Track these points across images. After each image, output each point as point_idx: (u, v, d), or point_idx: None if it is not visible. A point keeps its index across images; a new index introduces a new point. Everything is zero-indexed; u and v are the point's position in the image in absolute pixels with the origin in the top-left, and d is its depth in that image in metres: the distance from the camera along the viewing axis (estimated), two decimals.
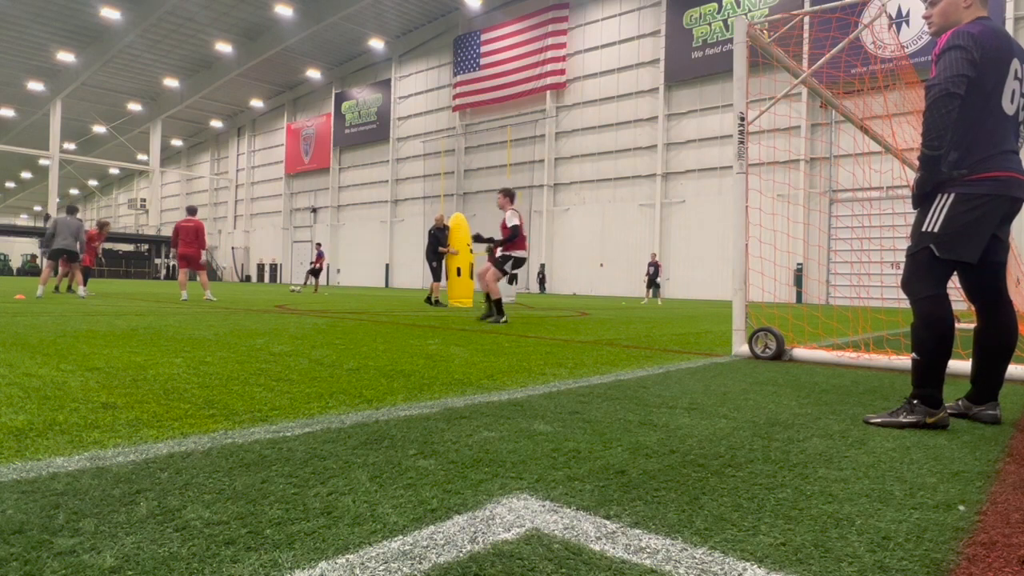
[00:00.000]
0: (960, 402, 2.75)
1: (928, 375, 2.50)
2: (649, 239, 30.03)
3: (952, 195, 2.48)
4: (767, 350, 4.76)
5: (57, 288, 14.58)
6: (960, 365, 4.16)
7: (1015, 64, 2.51)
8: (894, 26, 22.62)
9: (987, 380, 2.68)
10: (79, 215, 12.76)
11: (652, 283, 20.47)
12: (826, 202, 24.88)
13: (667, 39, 29.69)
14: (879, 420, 2.51)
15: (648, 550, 1.27)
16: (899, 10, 23.03)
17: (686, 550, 1.27)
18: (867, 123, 6.58)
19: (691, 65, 28.81)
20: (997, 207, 2.48)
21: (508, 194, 8.53)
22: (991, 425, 2.61)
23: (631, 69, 31.34)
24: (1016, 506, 1.59)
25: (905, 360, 4.40)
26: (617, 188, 31.60)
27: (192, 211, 12.83)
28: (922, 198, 2.58)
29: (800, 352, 4.74)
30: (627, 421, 2.46)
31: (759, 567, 1.21)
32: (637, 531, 1.37)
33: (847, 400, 3.09)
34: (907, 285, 2.61)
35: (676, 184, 29.60)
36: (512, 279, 15.96)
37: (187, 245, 12.34)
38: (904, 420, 2.47)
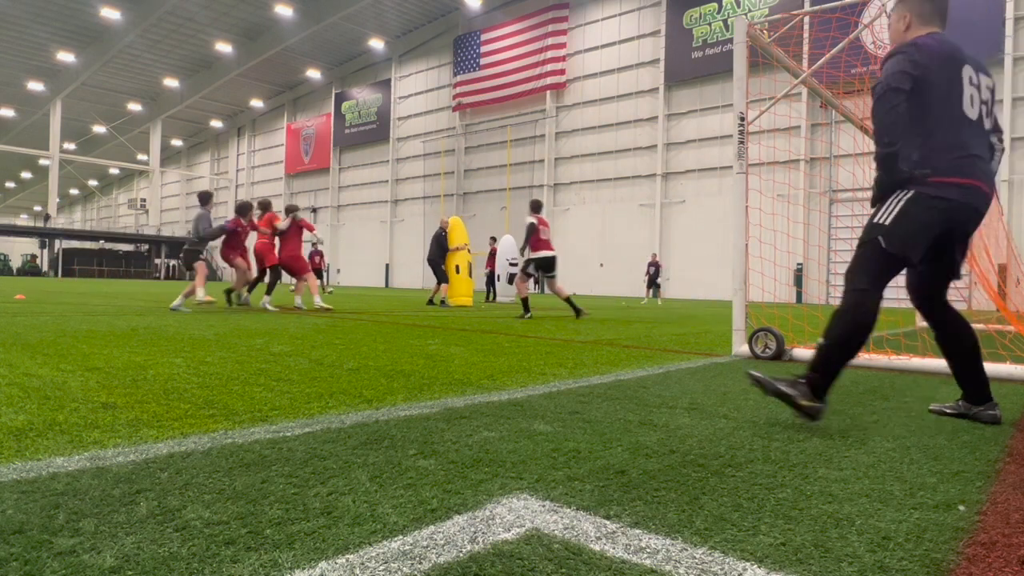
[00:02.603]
0: (960, 403, 2.73)
1: (827, 365, 2.45)
2: (649, 239, 30.02)
3: (911, 192, 2.44)
4: (767, 350, 4.75)
5: (230, 299, 10.29)
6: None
7: (968, 71, 2.51)
8: None
9: (973, 381, 2.66)
10: (211, 203, 9.77)
11: (652, 283, 20.47)
12: (826, 202, 24.88)
13: (667, 39, 29.68)
14: (758, 374, 2.55)
15: (648, 550, 1.27)
16: None
17: (686, 550, 1.27)
18: (867, 123, 6.58)
19: (691, 65, 28.80)
20: (956, 216, 2.44)
21: (531, 206, 9.67)
22: (991, 425, 2.58)
23: (631, 69, 31.33)
24: (1016, 506, 1.59)
25: (905, 360, 4.40)
26: (617, 188, 31.59)
27: (265, 206, 10.47)
28: (881, 198, 2.54)
29: (800, 352, 4.74)
30: (627, 421, 2.46)
31: (759, 567, 1.21)
32: (637, 531, 1.37)
33: (847, 400, 3.09)
34: (848, 273, 2.57)
35: (676, 184, 29.59)
36: (512, 279, 15.95)
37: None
38: (782, 388, 2.45)
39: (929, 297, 2.70)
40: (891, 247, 2.43)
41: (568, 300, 9.31)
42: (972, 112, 2.51)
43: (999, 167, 2.81)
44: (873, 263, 2.49)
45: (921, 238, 2.43)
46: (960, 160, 2.45)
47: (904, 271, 2.60)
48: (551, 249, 9.72)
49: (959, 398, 2.76)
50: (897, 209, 2.44)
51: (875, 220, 2.49)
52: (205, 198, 9.70)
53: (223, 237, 9.98)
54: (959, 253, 2.60)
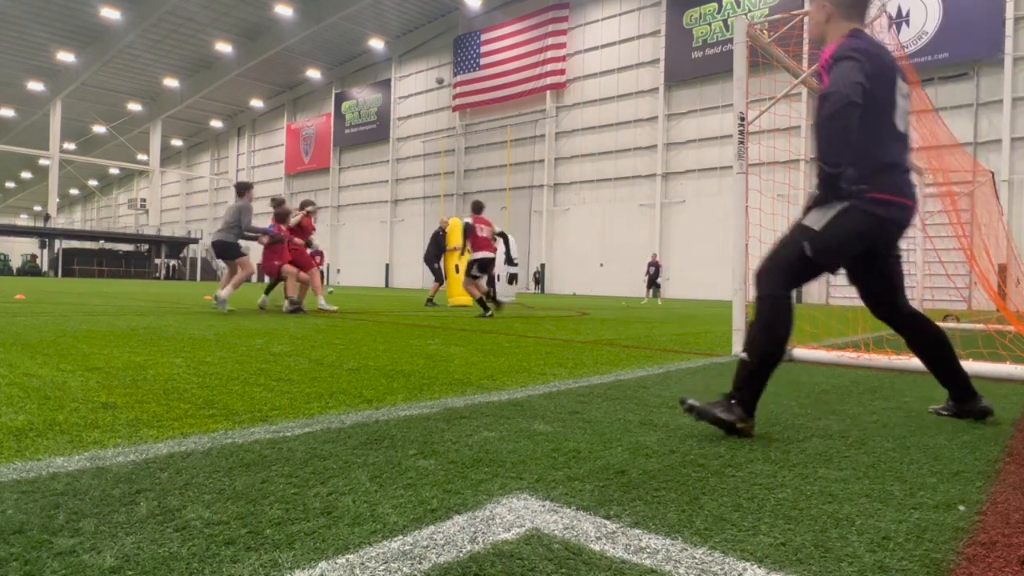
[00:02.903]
0: (948, 403, 2.71)
1: (753, 380, 2.31)
2: (649, 239, 30.02)
3: (847, 204, 2.33)
4: None
5: (262, 306, 9.33)
6: (965, 366, 4.16)
7: (899, 81, 2.45)
8: (894, 26, 22.62)
9: (952, 379, 2.62)
10: (251, 194, 8.70)
11: (652, 283, 20.47)
12: None
13: (667, 39, 29.69)
14: (697, 404, 2.32)
15: (648, 550, 1.27)
16: (899, 10, 23.04)
17: (686, 550, 1.27)
18: None
19: (691, 65, 28.80)
20: (885, 233, 2.41)
21: (471, 206, 9.90)
22: (984, 421, 2.59)
23: (631, 69, 31.34)
24: (1016, 506, 1.59)
25: (905, 360, 4.40)
26: (617, 188, 31.60)
27: (281, 217, 9.55)
28: (815, 207, 2.41)
29: (800, 352, 4.74)
30: (627, 421, 2.46)
31: (759, 567, 1.21)
32: (637, 531, 1.37)
33: (847, 400, 3.09)
34: (762, 275, 2.41)
35: (676, 184, 29.59)
36: (512, 279, 15.97)
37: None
38: (720, 415, 2.27)
39: (881, 304, 2.64)
40: (815, 255, 2.35)
41: (480, 300, 9.22)
42: (902, 125, 2.44)
43: None
44: (793, 267, 2.39)
45: (846, 251, 2.39)
46: (897, 178, 2.40)
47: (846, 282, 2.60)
48: (490, 250, 9.99)
49: (947, 399, 2.73)
50: (830, 218, 2.33)
51: (804, 223, 2.37)
52: (244, 188, 8.70)
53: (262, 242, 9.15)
54: (892, 260, 2.57)
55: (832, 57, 2.34)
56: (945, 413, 2.71)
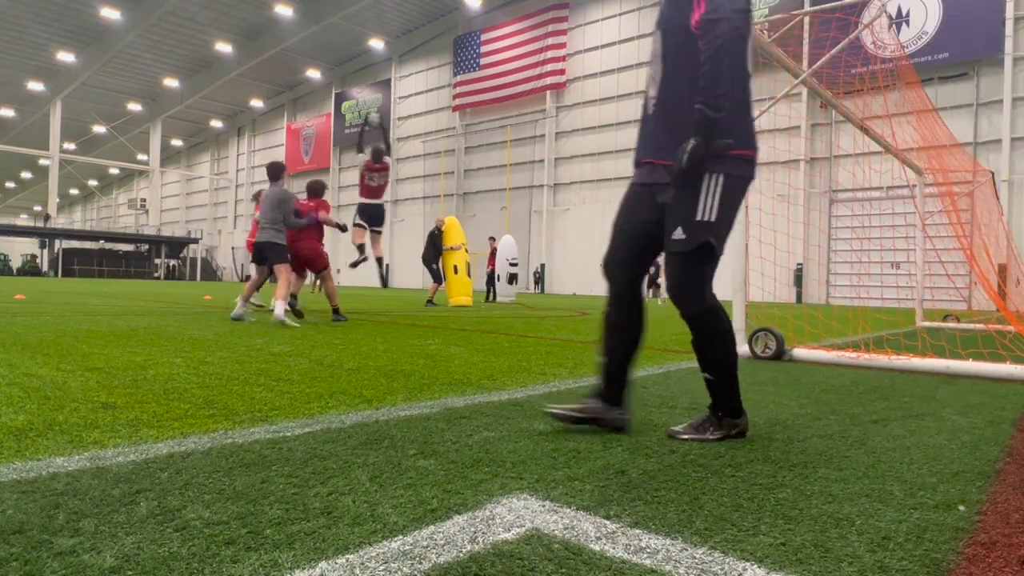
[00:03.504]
0: (592, 400, 2.27)
1: (729, 390, 2.20)
2: None
3: (721, 177, 2.07)
4: (767, 350, 4.75)
5: (297, 310, 7.69)
6: (963, 366, 4.16)
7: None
8: (894, 26, 22.62)
9: (620, 379, 2.27)
10: (285, 178, 7.19)
11: (652, 283, 20.47)
12: (826, 202, 24.87)
13: None
14: (687, 437, 2.17)
15: (648, 550, 1.27)
16: (899, 10, 23.04)
17: (686, 550, 1.27)
18: (867, 123, 6.59)
19: None
20: (744, 194, 2.18)
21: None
22: (617, 431, 2.25)
23: (631, 69, 31.32)
24: (1016, 506, 1.59)
25: (905, 360, 4.40)
26: (617, 188, 31.56)
27: (316, 191, 8.06)
28: (687, 173, 2.05)
29: (800, 352, 4.74)
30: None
31: (759, 567, 1.21)
32: (637, 531, 1.37)
33: (847, 400, 3.09)
34: (681, 292, 2.16)
35: None
36: (512, 279, 15.97)
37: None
38: (711, 437, 2.16)
39: (638, 276, 2.29)
40: (720, 249, 2.13)
41: (360, 246, 8.69)
42: (750, 64, 2.17)
43: None
44: (703, 272, 2.15)
45: (730, 230, 2.17)
46: (751, 128, 2.16)
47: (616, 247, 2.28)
48: (376, 197, 9.32)
49: (589, 395, 2.30)
50: (718, 202, 2.08)
51: (699, 217, 2.08)
52: (279, 171, 7.13)
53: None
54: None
55: None
56: (577, 415, 2.24)
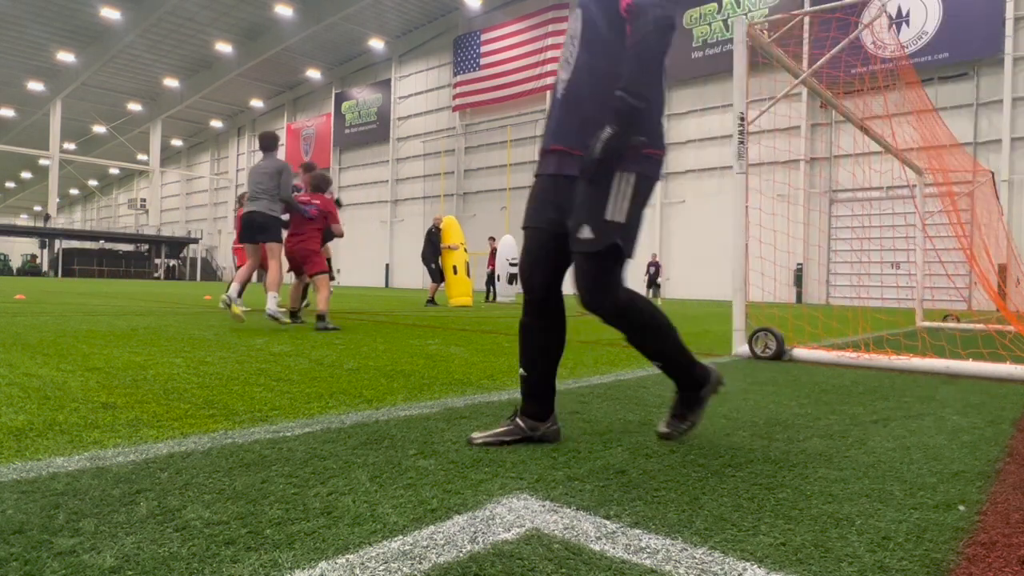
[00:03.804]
0: (519, 419, 2.12)
1: (683, 366, 2.13)
2: (649, 239, 30.01)
3: (633, 176, 1.93)
4: (767, 350, 4.75)
5: (294, 314, 6.98)
6: (963, 366, 4.16)
7: None
8: (894, 26, 22.62)
9: (548, 391, 2.15)
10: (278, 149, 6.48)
11: (652, 283, 20.47)
12: (826, 202, 24.87)
13: None
14: (669, 430, 2.16)
15: (648, 550, 1.27)
16: (899, 10, 23.04)
17: (686, 550, 1.27)
18: (867, 123, 6.59)
19: (691, 65, 28.79)
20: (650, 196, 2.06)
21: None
22: (551, 441, 2.13)
23: None
24: (1016, 506, 1.59)
25: (905, 360, 4.40)
26: None
27: (319, 184, 7.15)
28: (598, 166, 1.87)
29: (800, 352, 4.74)
30: (627, 421, 2.46)
31: (759, 567, 1.21)
32: (637, 531, 1.37)
33: (847, 400, 3.09)
34: (592, 295, 1.98)
35: (676, 184, 29.58)
36: (512, 279, 15.98)
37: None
38: (687, 426, 2.15)
39: (556, 280, 2.11)
40: (629, 252, 1.98)
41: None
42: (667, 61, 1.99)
43: None
44: (617, 271, 2.00)
45: (639, 232, 2.02)
46: (662, 129, 2.03)
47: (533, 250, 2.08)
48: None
49: (512, 415, 2.14)
50: (628, 202, 1.94)
51: (608, 216, 1.92)
52: (273, 141, 6.33)
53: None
54: None
55: None
56: (508, 439, 2.09)
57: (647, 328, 2.07)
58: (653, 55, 1.81)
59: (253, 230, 6.08)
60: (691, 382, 2.15)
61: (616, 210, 1.92)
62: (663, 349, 2.10)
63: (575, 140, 1.97)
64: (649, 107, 1.86)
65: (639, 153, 1.93)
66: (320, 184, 6.96)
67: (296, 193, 6.96)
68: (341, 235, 7.15)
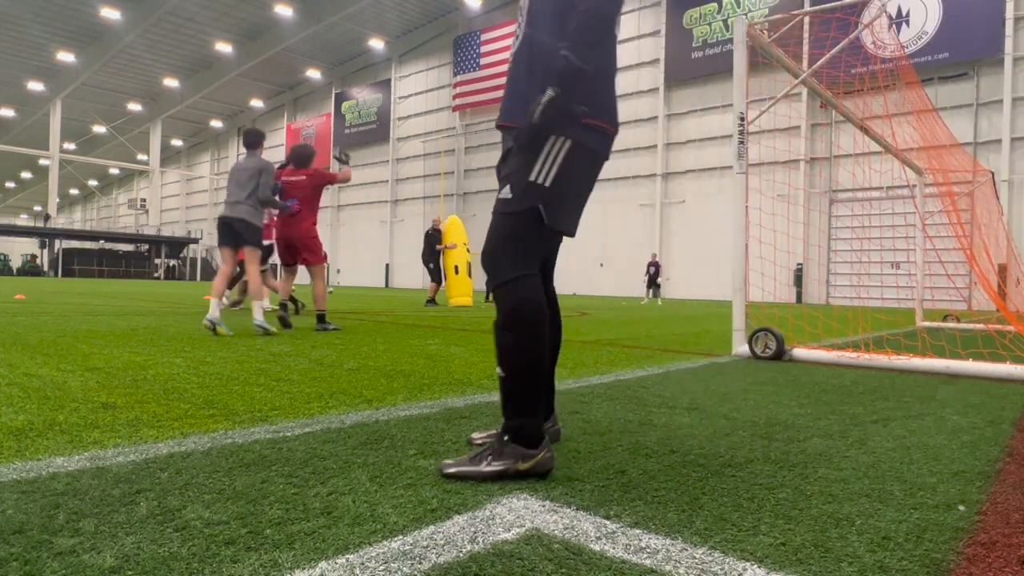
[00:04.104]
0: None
1: (520, 398, 1.73)
2: (649, 239, 30.02)
3: (569, 142, 1.75)
4: (767, 350, 4.75)
5: (287, 319, 6.28)
6: (963, 366, 4.16)
7: None
8: (894, 26, 22.62)
9: (547, 392, 2.01)
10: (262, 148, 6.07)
11: (652, 283, 20.48)
12: (826, 202, 24.88)
13: (667, 39, 29.67)
14: (454, 470, 1.72)
15: (648, 550, 1.27)
16: (899, 10, 23.04)
17: (686, 550, 1.27)
18: (867, 123, 6.59)
19: (691, 65, 28.79)
20: (597, 174, 1.87)
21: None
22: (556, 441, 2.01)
23: (631, 69, 31.31)
24: (1016, 506, 1.59)
25: (905, 360, 4.40)
26: (617, 188, 31.58)
27: (301, 158, 6.85)
28: (535, 133, 1.74)
29: (800, 352, 4.74)
30: (627, 421, 2.46)
31: (759, 567, 1.21)
32: (637, 531, 1.37)
33: (847, 400, 3.09)
34: (492, 257, 1.80)
35: (676, 184, 29.58)
36: None
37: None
38: (486, 469, 1.70)
39: (543, 272, 2.00)
40: (553, 222, 1.77)
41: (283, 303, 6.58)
42: (618, 30, 1.88)
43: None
44: (524, 239, 1.78)
45: (579, 207, 1.84)
46: (613, 103, 1.86)
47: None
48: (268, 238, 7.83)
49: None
50: (558, 166, 1.75)
51: (531, 178, 1.75)
52: (258, 138, 5.98)
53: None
54: None
55: None
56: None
57: (515, 324, 1.74)
58: (602, 16, 1.69)
59: (232, 235, 5.80)
60: (515, 427, 1.72)
61: (542, 173, 1.75)
62: (510, 355, 1.74)
63: (519, 115, 1.82)
64: (596, 74, 1.76)
65: (579, 121, 1.76)
66: (301, 160, 6.63)
67: (281, 170, 6.79)
68: (348, 179, 6.80)
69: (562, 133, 1.75)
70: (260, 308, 5.63)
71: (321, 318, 6.30)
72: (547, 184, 1.75)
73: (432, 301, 12.89)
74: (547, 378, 1.94)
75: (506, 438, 1.72)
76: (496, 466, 1.71)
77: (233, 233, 5.74)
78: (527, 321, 1.73)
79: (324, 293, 6.44)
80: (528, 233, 1.77)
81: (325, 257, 6.30)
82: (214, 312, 5.38)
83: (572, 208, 1.81)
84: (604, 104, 1.82)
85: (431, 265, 13.31)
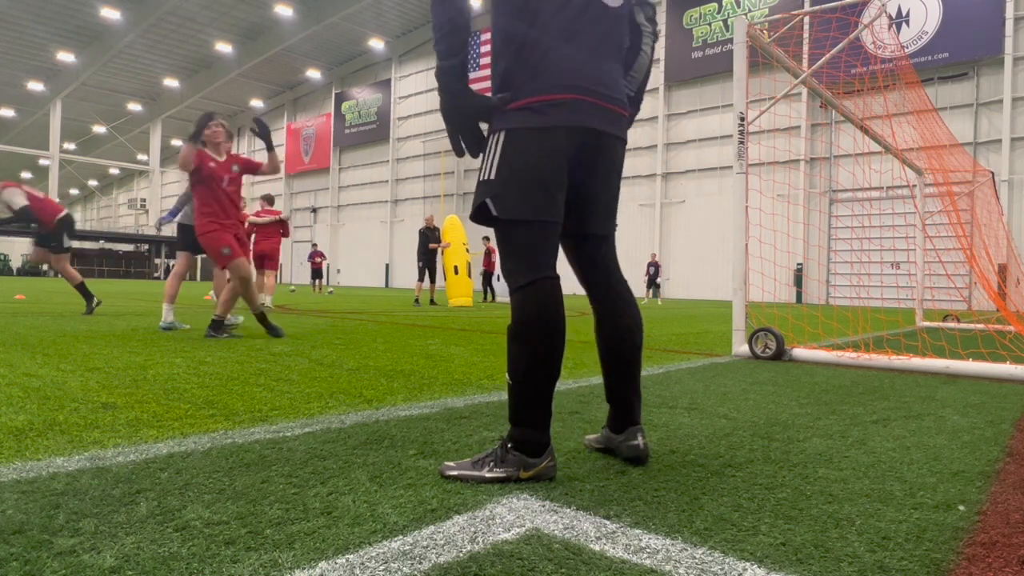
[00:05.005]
0: (604, 431, 1.98)
1: (525, 407, 1.69)
2: (649, 239, 30.02)
3: (502, 134, 1.74)
4: (767, 350, 4.75)
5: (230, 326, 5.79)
6: (963, 366, 4.16)
7: None
8: (894, 26, 22.62)
9: (617, 398, 1.93)
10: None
11: (652, 283, 20.48)
12: (826, 202, 24.88)
13: (667, 39, 29.68)
14: (455, 472, 1.71)
15: (648, 550, 1.27)
16: (899, 10, 23.04)
17: (686, 550, 1.27)
18: (867, 123, 6.59)
19: (691, 65, 28.80)
20: (567, 144, 1.75)
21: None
22: (634, 462, 1.87)
23: None
24: (1016, 506, 1.59)
25: (905, 360, 4.40)
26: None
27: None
28: (481, 143, 1.79)
29: (800, 352, 4.74)
30: None
31: (759, 567, 1.21)
32: (637, 531, 1.37)
33: (847, 400, 3.09)
34: (502, 267, 1.80)
35: (676, 184, 29.59)
36: None
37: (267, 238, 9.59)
38: (488, 475, 1.68)
39: (594, 267, 1.98)
40: (504, 212, 1.73)
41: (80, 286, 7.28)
42: None
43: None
44: (518, 243, 1.75)
45: (536, 189, 1.72)
46: (556, 67, 1.75)
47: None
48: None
49: (604, 425, 2.01)
50: (497, 158, 1.75)
51: (481, 178, 1.79)
52: (201, 123, 5.70)
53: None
54: (596, 190, 1.90)
55: None
56: (596, 446, 2.02)
57: (526, 329, 1.71)
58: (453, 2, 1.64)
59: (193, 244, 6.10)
60: (522, 441, 1.69)
61: (485, 170, 1.77)
62: (519, 362, 1.71)
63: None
64: (518, 54, 1.74)
65: (507, 111, 1.75)
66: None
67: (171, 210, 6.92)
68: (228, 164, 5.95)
69: (494, 129, 1.77)
70: (170, 310, 5.92)
71: (216, 323, 5.38)
72: (492, 177, 1.75)
73: (432, 301, 12.89)
74: (619, 388, 1.91)
75: (509, 445, 1.71)
76: (498, 472, 1.69)
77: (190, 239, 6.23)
78: (530, 331, 1.70)
79: (232, 300, 5.49)
80: (513, 234, 1.75)
81: (229, 256, 5.36)
82: (167, 317, 5.92)
83: (530, 191, 1.72)
84: (537, 76, 1.73)
85: (420, 264, 13.34)
